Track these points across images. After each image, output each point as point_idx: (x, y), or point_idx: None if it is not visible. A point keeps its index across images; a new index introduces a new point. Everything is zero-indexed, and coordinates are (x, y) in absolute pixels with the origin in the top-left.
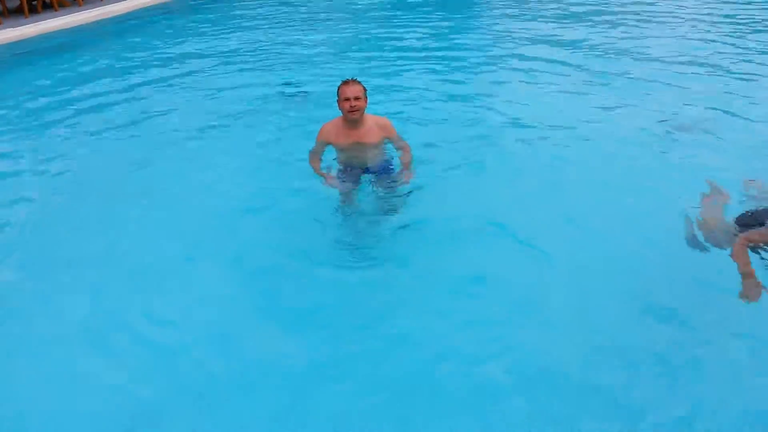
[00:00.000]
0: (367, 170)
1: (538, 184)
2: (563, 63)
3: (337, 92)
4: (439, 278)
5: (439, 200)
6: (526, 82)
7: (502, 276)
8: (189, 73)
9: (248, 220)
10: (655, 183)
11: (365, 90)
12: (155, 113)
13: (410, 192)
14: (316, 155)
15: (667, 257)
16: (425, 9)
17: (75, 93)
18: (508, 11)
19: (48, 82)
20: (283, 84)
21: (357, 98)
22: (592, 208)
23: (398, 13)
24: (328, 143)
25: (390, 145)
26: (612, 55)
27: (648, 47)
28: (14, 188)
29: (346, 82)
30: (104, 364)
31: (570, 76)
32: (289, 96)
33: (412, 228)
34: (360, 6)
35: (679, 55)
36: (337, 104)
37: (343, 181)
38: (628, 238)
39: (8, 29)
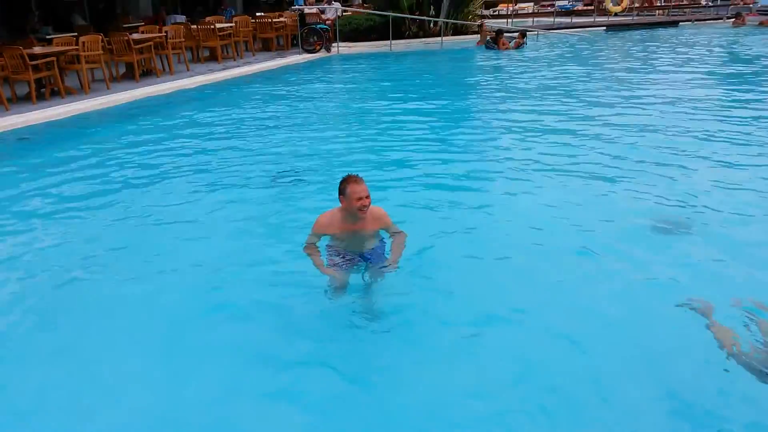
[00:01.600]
0: (362, 256)
1: (525, 276)
2: (548, 155)
3: (345, 189)
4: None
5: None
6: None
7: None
8: (182, 161)
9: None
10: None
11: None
12: (147, 198)
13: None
14: (312, 246)
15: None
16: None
17: (72, 176)
18: (492, 96)
19: (52, 168)
20: (276, 173)
21: (368, 197)
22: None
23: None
24: (324, 235)
25: (384, 232)
26: (598, 145)
27: (630, 138)
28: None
29: (356, 181)
30: None
31: (553, 167)
32: (281, 181)
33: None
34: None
35: (663, 145)
36: (339, 198)
37: (340, 267)
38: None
39: (14, 115)
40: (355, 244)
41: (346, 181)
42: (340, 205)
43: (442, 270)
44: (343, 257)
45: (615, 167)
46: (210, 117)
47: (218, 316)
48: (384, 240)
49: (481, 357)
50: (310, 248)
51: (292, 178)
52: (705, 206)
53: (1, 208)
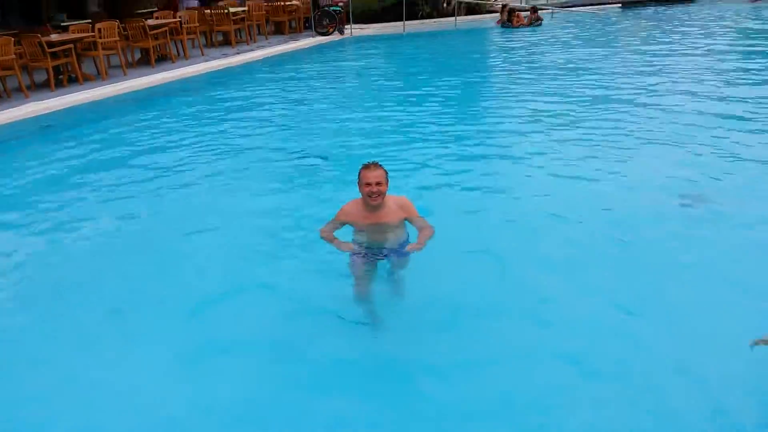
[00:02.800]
0: (384, 251)
1: (551, 269)
2: (565, 140)
3: (358, 176)
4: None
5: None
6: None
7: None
8: (203, 147)
9: (252, 300)
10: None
11: (387, 173)
12: (170, 181)
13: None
14: (329, 231)
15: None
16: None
17: (92, 162)
18: (509, 75)
19: (70, 152)
20: (301, 153)
21: (378, 183)
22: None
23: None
24: (347, 223)
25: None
26: (615, 126)
27: (651, 117)
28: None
29: (366, 167)
30: None
31: (568, 152)
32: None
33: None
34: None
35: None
36: (357, 186)
37: (361, 263)
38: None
39: (34, 102)
40: (377, 235)
41: (360, 168)
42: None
43: (470, 261)
44: (366, 255)
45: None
46: (228, 101)
47: (234, 306)
48: (410, 236)
49: (531, 356)
50: (326, 233)
51: (314, 162)
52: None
53: (38, 190)
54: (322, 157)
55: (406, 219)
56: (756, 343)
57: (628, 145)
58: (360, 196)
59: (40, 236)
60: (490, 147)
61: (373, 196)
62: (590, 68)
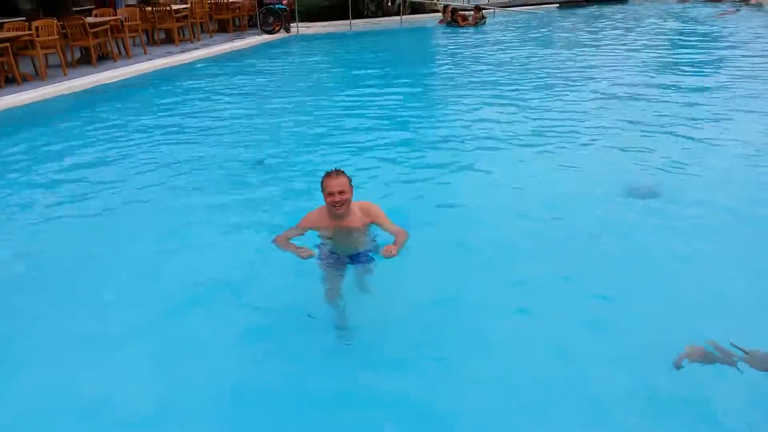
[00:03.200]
0: (352, 257)
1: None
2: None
3: (321, 184)
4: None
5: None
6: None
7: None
8: (145, 146)
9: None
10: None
11: (350, 180)
12: (120, 184)
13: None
14: (285, 238)
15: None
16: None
17: (30, 168)
18: (456, 71)
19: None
20: (246, 156)
21: (342, 192)
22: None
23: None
24: (310, 229)
25: (377, 231)
26: (564, 119)
27: (598, 112)
28: None
29: (329, 175)
30: None
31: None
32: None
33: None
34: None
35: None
36: (322, 194)
37: (328, 266)
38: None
39: None
40: (343, 240)
41: (323, 176)
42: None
43: (430, 261)
44: (332, 259)
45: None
46: (173, 101)
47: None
48: (376, 242)
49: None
50: (281, 240)
51: (261, 165)
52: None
53: None
54: (260, 161)
55: (373, 224)
56: (679, 363)
57: (579, 138)
58: (323, 203)
59: None
60: (442, 145)
61: (336, 206)
62: (536, 66)
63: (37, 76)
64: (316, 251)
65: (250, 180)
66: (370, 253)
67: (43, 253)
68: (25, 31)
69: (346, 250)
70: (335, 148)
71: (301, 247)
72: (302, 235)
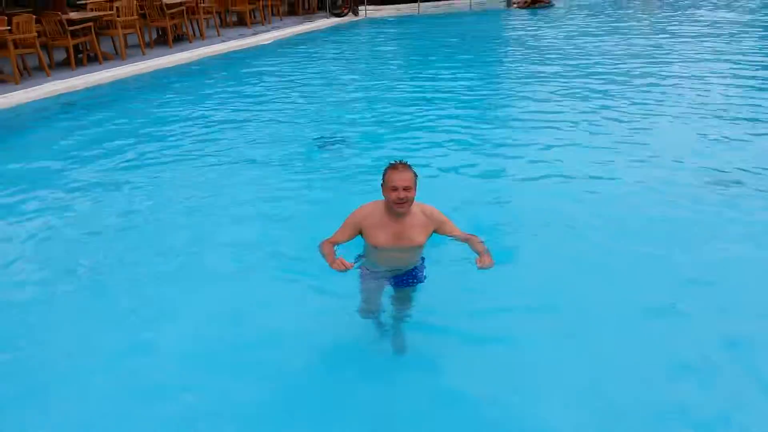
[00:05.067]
0: (395, 276)
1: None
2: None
3: (383, 177)
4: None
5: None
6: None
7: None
8: (221, 127)
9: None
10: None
11: (416, 176)
12: (186, 163)
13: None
14: (332, 243)
15: None
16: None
17: (115, 143)
18: (526, 55)
19: (91, 130)
20: (318, 137)
21: (407, 188)
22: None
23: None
24: (360, 231)
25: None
26: (640, 106)
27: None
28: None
29: (394, 167)
30: None
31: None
32: (325, 146)
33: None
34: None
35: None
36: (381, 189)
37: (371, 278)
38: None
39: (56, 81)
40: (396, 256)
41: (386, 168)
42: (384, 197)
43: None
44: (375, 274)
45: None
46: (247, 82)
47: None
48: (424, 259)
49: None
50: (327, 245)
51: (336, 144)
52: None
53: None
54: (341, 141)
55: (435, 232)
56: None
57: (659, 124)
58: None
59: (62, 212)
60: (514, 131)
61: (400, 203)
62: (614, 51)
63: (117, 55)
64: (355, 263)
65: (315, 161)
66: (419, 273)
67: (141, 213)
68: (106, 11)
69: (394, 263)
70: (405, 134)
71: (338, 259)
72: (351, 237)
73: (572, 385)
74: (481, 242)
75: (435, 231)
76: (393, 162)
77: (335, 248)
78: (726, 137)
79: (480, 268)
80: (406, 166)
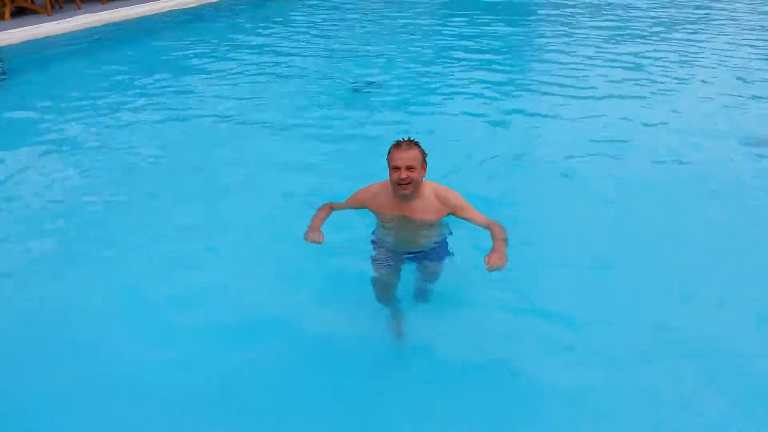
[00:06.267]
0: (411, 254)
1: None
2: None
3: (388, 155)
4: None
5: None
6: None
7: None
8: (255, 67)
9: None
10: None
11: (424, 155)
12: (216, 105)
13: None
14: (330, 209)
15: None
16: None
17: (140, 80)
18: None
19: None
20: (353, 81)
21: (410, 168)
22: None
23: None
24: (367, 207)
25: (447, 222)
26: (677, 67)
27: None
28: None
29: (398, 145)
30: None
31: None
32: (360, 90)
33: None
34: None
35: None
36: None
37: (379, 265)
38: None
39: (87, 14)
40: (405, 232)
41: (391, 146)
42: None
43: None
44: (386, 253)
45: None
46: (276, 32)
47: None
48: (448, 235)
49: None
50: (324, 210)
51: (372, 88)
52: None
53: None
54: (377, 85)
55: (450, 215)
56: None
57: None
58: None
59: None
60: (544, 98)
61: (401, 185)
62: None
63: None
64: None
65: (347, 107)
66: (441, 249)
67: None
68: None
69: (406, 246)
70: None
71: (315, 231)
72: (355, 208)
73: None
74: (502, 232)
75: (452, 214)
76: (399, 139)
77: (330, 214)
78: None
79: (489, 270)
80: (412, 144)
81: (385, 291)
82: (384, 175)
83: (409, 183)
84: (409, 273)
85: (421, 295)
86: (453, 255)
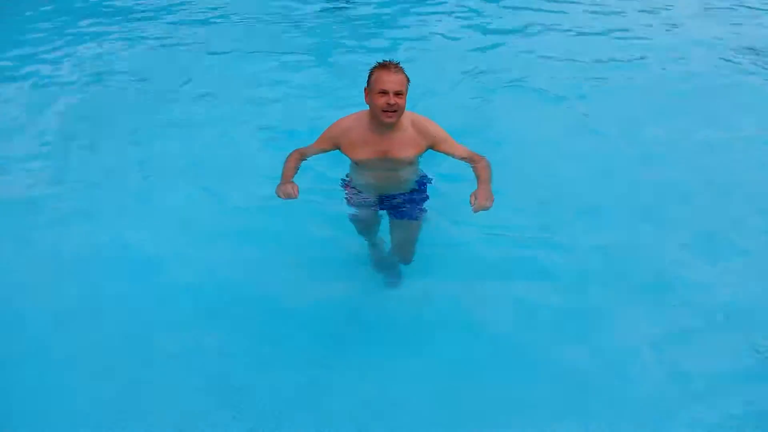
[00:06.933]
0: (385, 200)
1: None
2: None
3: (369, 78)
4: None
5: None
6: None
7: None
8: None
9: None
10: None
11: (408, 81)
12: (185, 31)
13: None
14: (300, 156)
15: None
16: None
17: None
18: None
19: None
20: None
21: (399, 93)
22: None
23: None
24: (338, 148)
25: (423, 161)
26: None
27: None
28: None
29: (385, 67)
30: None
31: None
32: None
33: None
34: None
35: None
36: (364, 93)
37: (357, 205)
38: None
39: None
40: (384, 175)
41: (374, 68)
42: (367, 103)
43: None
44: (361, 199)
45: None
46: None
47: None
48: (426, 182)
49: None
50: (295, 157)
51: (345, 5)
52: None
53: None
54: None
55: (429, 149)
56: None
57: None
58: (364, 108)
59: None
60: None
61: (390, 111)
62: None
63: None
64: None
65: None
66: (418, 199)
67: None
68: None
69: (383, 188)
70: None
71: (288, 183)
72: (325, 151)
73: None
74: (487, 167)
75: (431, 148)
76: (383, 60)
77: (301, 162)
78: None
79: (475, 210)
80: (399, 67)
81: (367, 227)
82: (356, 108)
83: (396, 110)
84: (384, 231)
85: (401, 253)
86: (426, 211)
